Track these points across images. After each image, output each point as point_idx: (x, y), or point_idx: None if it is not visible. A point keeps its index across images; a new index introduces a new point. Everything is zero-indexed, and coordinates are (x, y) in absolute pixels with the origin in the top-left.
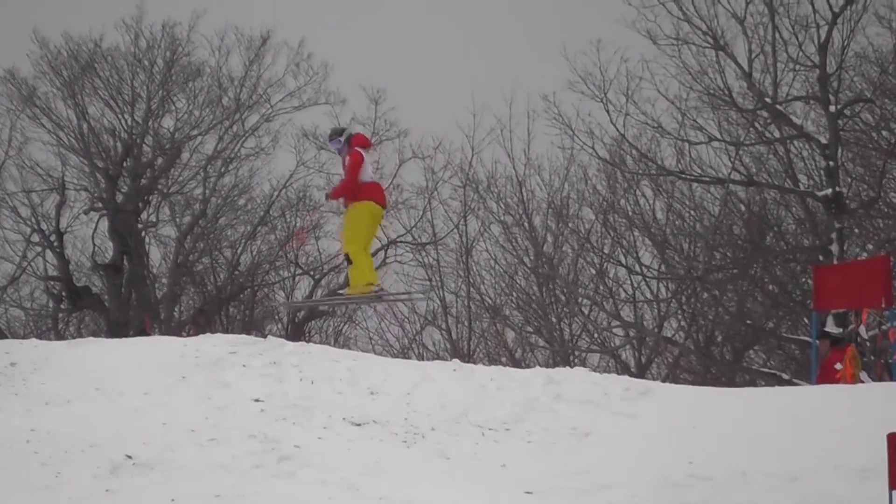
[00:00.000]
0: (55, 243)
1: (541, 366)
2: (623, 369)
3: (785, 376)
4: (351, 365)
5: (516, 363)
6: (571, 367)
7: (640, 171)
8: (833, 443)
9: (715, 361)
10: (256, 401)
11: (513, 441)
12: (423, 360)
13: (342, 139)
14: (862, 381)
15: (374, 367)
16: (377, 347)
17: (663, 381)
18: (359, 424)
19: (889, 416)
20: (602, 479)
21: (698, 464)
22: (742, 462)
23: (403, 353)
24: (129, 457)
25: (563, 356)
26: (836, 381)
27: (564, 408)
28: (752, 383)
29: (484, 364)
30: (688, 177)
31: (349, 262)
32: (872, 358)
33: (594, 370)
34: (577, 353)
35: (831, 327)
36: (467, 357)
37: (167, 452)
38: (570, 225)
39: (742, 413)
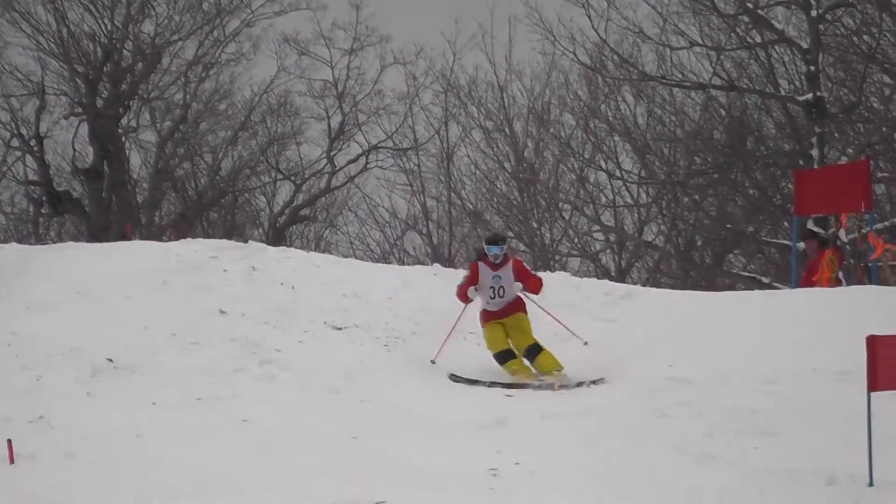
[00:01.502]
0: (35, 148)
1: None
2: (603, 273)
3: (765, 280)
4: (332, 270)
5: None
6: (552, 271)
7: (621, 77)
8: (812, 346)
9: (695, 265)
10: (237, 305)
11: None
12: (404, 264)
13: (504, 247)
14: (840, 283)
15: (356, 272)
16: (358, 252)
17: (643, 285)
18: (340, 328)
19: (868, 320)
20: (584, 382)
21: (678, 367)
22: (721, 365)
23: (384, 258)
24: (111, 360)
25: (543, 261)
26: (813, 285)
27: (544, 311)
28: (732, 287)
29: (465, 269)
30: (669, 82)
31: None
32: (852, 262)
33: (575, 274)
34: (557, 257)
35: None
36: (448, 261)
37: (148, 356)
38: (550, 130)
39: (722, 317)
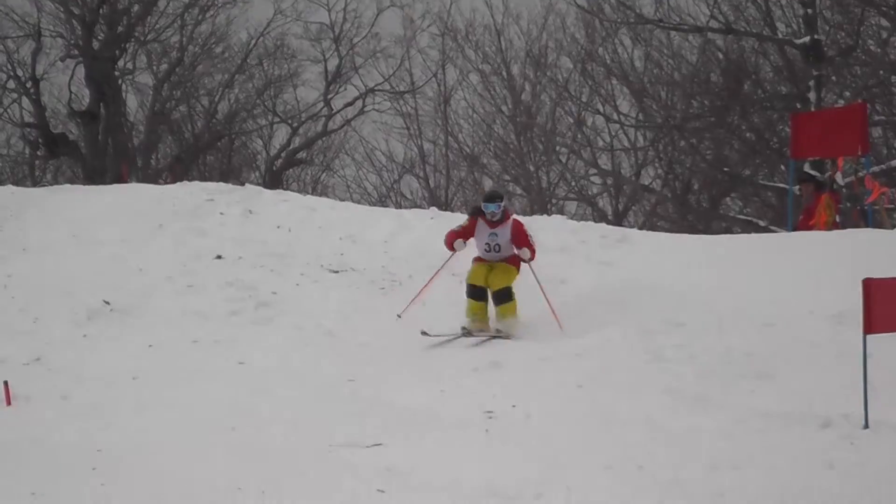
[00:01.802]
0: (31, 90)
1: (518, 214)
2: (600, 217)
3: (761, 223)
4: (328, 213)
5: None
6: (549, 214)
7: (619, 20)
8: (808, 289)
9: (691, 209)
10: (234, 248)
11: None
12: (400, 208)
13: (502, 205)
14: (837, 227)
15: (352, 215)
16: (355, 195)
17: (640, 228)
18: (336, 272)
19: (864, 262)
20: (576, 325)
21: (673, 310)
22: (717, 308)
23: (381, 202)
24: (107, 303)
25: (540, 204)
26: (810, 228)
27: (541, 255)
28: (729, 230)
29: (462, 212)
30: (666, 25)
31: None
32: (849, 205)
33: (571, 218)
34: (554, 200)
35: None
36: (445, 205)
37: (144, 299)
38: (548, 74)
39: (718, 260)
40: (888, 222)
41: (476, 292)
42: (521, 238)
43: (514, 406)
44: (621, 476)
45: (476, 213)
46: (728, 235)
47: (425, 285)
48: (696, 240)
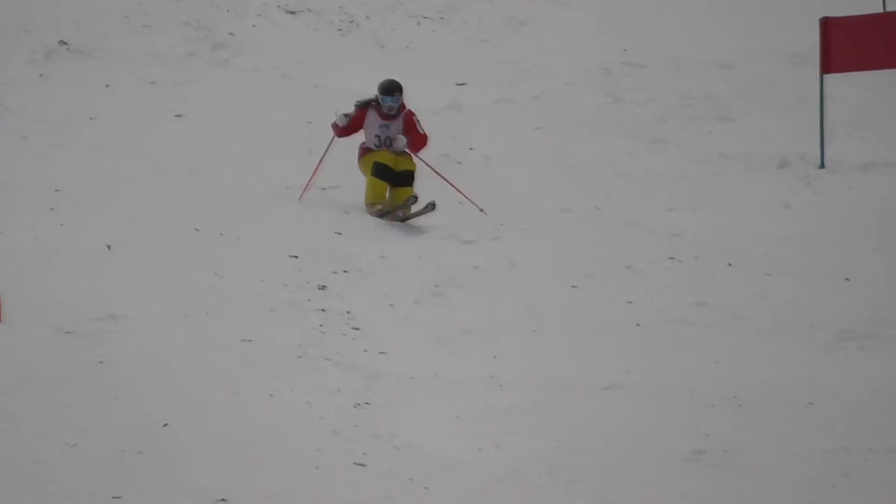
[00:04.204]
0: None
1: None
2: None
3: None
4: None
5: None
6: None
7: None
8: (766, 30)
9: None
10: None
11: (447, 29)
12: None
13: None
14: None
15: None
16: None
17: None
18: (293, 12)
19: (821, 2)
20: (537, 68)
21: (632, 52)
22: (675, 50)
23: None
24: (64, 43)
25: None
26: None
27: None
28: None
29: None
30: None
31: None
32: None
33: None
34: None
35: None
36: None
37: (102, 39)
38: None
39: (676, 1)
40: None
41: (385, 172)
42: (409, 127)
43: (471, 149)
44: (580, 218)
45: (365, 105)
46: None
47: (315, 170)
48: None
